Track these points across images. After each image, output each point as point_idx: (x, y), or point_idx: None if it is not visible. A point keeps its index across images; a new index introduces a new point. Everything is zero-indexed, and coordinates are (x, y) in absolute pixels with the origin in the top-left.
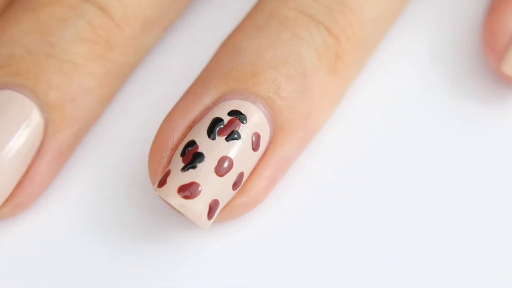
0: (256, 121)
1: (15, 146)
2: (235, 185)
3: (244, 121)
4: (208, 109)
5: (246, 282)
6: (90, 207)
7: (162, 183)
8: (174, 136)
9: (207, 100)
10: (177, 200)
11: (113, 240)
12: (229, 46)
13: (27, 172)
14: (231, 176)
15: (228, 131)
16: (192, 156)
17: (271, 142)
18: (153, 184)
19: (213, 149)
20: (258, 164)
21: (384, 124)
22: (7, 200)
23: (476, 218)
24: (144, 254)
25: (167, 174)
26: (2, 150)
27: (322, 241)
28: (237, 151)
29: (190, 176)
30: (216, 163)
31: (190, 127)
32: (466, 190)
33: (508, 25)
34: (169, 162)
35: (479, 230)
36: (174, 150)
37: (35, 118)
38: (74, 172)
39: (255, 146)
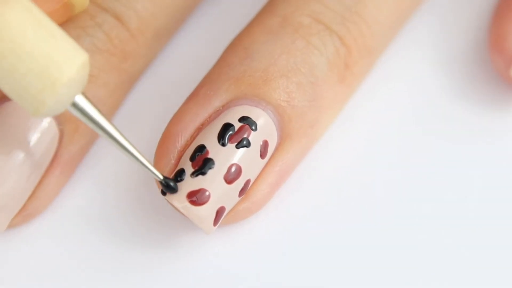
0: (265, 128)
1: (32, 157)
2: (241, 192)
3: (254, 127)
4: (218, 112)
5: (246, 283)
6: (94, 208)
7: None
8: (183, 138)
9: (217, 103)
10: (184, 204)
11: (117, 242)
12: (240, 48)
13: (40, 182)
14: (239, 183)
15: (239, 138)
16: (202, 162)
17: (276, 149)
18: (159, 185)
19: (223, 156)
20: (262, 170)
21: (384, 129)
22: (20, 211)
23: (479, 224)
24: (148, 256)
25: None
26: (18, 161)
27: (322, 243)
28: (246, 158)
29: (199, 182)
30: (225, 171)
31: (199, 130)
32: (470, 199)
33: None
34: (176, 164)
35: (478, 232)
36: (182, 152)
37: (52, 129)
38: (79, 172)
39: (263, 154)
